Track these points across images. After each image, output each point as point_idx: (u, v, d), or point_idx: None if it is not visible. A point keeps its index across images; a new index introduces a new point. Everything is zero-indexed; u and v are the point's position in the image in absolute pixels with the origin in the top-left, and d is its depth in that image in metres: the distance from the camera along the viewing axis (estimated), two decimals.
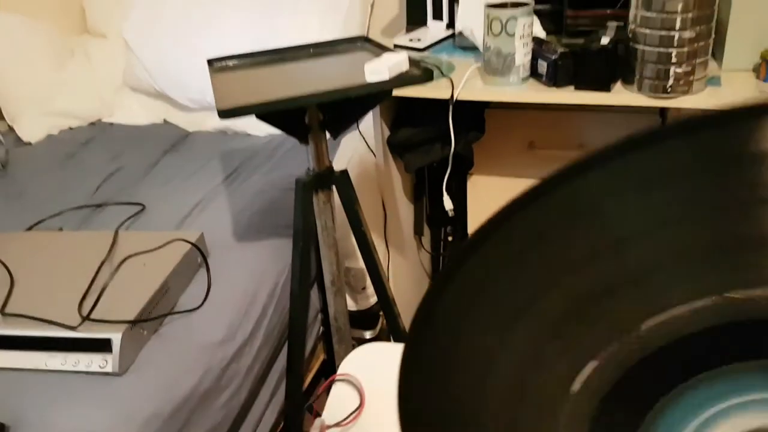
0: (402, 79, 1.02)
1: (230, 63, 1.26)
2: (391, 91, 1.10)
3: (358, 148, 1.68)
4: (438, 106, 1.44)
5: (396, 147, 1.61)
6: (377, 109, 1.55)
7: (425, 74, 1.02)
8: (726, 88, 1.24)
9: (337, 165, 1.63)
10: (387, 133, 1.60)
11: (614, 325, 0.25)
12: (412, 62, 1.07)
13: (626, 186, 0.24)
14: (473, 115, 1.52)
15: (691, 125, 0.23)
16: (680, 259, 0.23)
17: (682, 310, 0.23)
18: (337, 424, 0.63)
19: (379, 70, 1.01)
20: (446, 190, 1.54)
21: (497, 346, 0.26)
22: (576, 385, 0.26)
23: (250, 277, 1.29)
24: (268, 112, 0.97)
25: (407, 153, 1.60)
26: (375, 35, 1.95)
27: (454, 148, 1.47)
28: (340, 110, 1.14)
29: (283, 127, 1.12)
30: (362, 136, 1.67)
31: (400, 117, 1.61)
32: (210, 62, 1.25)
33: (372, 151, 1.65)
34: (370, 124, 1.62)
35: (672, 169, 0.24)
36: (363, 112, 1.16)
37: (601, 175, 0.24)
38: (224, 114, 0.92)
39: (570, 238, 0.24)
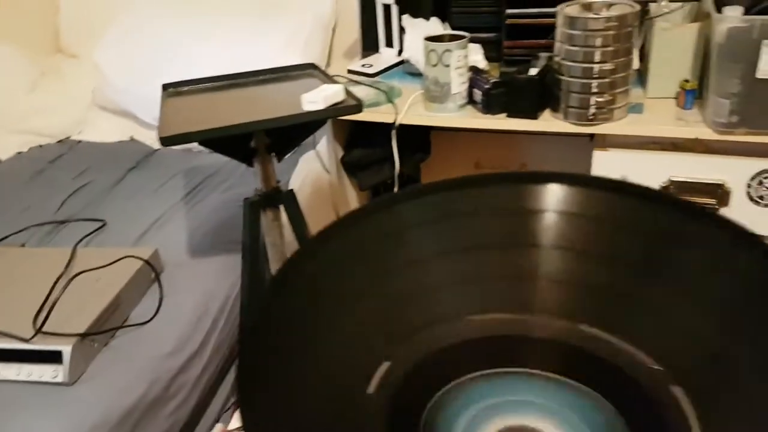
0: (336, 110, 1.10)
1: (184, 88, 1.33)
2: (326, 120, 1.18)
3: (314, 167, 1.75)
4: (387, 128, 1.52)
5: (349, 166, 1.69)
6: (331, 130, 1.63)
7: (358, 105, 1.09)
8: (647, 115, 1.33)
9: (294, 183, 1.71)
10: (341, 152, 1.68)
11: (403, 331, 0.31)
12: (348, 93, 1.14)
13: (425, 219, 0.31)
14: (419, 138, 1.60)
15: (480, 181, 0.31)
16: (459, 281, 0.30)
17: (456, 321, 0.30)
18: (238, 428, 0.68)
19: (315, 100, 1.09)
20: None
21: (314, 351, 0.32)
22: (371, 387, 0.32)
23: (201, 292, 1.35)
24: (209, 139, 1.04)
25: (360, 172, 1.68)
26: (336, 59, 2.03)
27: (401, 169, 1.55)
28: (285, 135, 1.22)
29: (227, 152, 1.19)
30: (318, 155, 1.74)
31: (353, 138, 1.69)
32: (165, 87, 1.32)
33: (326, 170, 1.73)
34: (326, 144, 1.70)
35: (458, 211, 0.31)
36: (305, 137, 1.23)
37: (407, 208, 0.31)
38: (166, 141, 0.99)
39: (373, 256, 0.31)
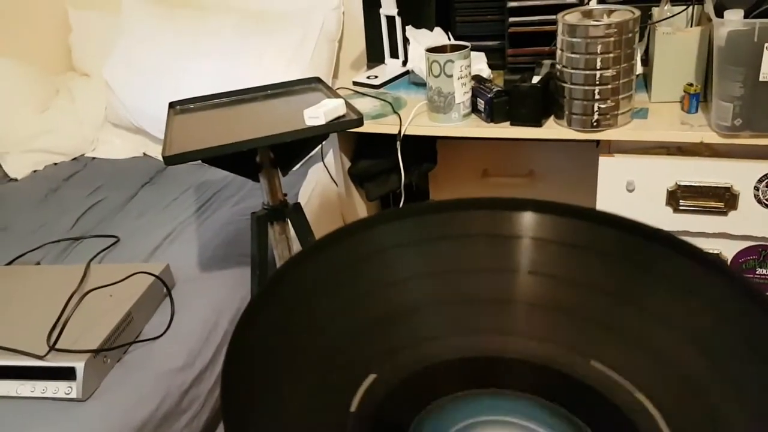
0: (337, 124, 1.11)
1: (191, 105, 1.36)
2: (327, 134, 1.19)
3: (322, 178, 1.77)
4: (393, 139, 1.53)
5: (356, 177, 1.70)
6: (337, 142, 1.65)
7: (359, 119, 1.11)
8: (652, 120, 1.33)
9: (303, 195, 1.73)
10: (348, 164, 1.69)
11: (383, 351, 0.32)
12: (349, 106, 1.16)
13: (404, 241, 0.32)
14: (425, 147, 1.61)
15: (458, 205, 0.31)
16: (437, 304, 0.31)
17: (435, 343, 0.31)
18: None
19: (316, 115, 1.10)
20: None
21: (290, 376, 0.33)
22: (353, 406, 0.33)
23: (212, 306, 1.37)
24: (212, 157, 1.06)
25: (367, 182, 1.69)
26: (344, 71, 2.04)
27: (408, 179, 1.56)
28: (288, 149, 1.24)
29: (233, 168, 1.21)
30: (326, 167, 1.76)
31: (360, 149, 1.70)
32: (171, 105, 1.35)
33: (335, 181, 1.74)
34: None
35: (437, 234, 0.32)
36: (309, 151, 1.25)
37: (386, 231, 0.31)
38: (169, 160, 1.01)
39: (356, 276, 0.32)
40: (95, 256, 1.54)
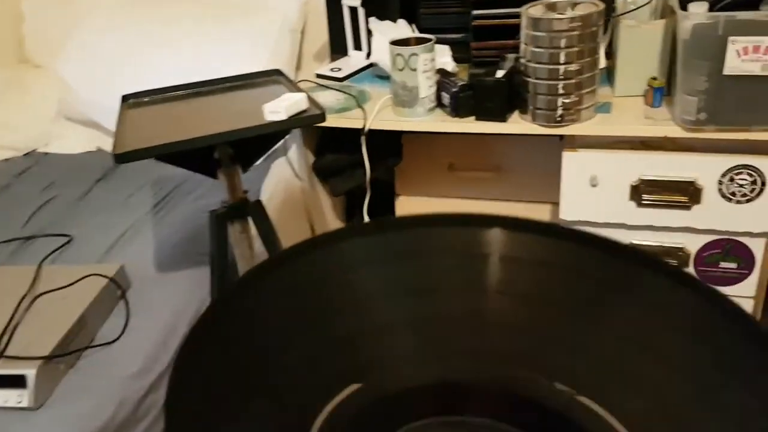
0: (299, 120, 1.07)
1: (145, 99, 1.30)
2: (289, 130, 1.15)
3: (285, 173, 1.73)
4: (357, 133, 1.50)
5: (321, 172, 1.66)
6: (300, 136, 1.61)
7: (321, 115, 1.07)
8: (615, 114, 1.32)
9: (266, 191, 1.69)
10: (312, 158, 1.66)
11: (344, 376, 0.29)
12: (311, 101, 1.12)
13: (370, 258, 0.29)
14: (391, 142, 1.58)
15: (426, 221, 0.29)
16: (402, 324, 0.29)
17: (400, 367, 0.29)
18: None
19: (276, 110, 1.07)
20: (368, 214, 1.59)
21: (244, 399, 0.31)
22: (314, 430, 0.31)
23: (170, 308, 1.33)
24: (167, 154, 1.02)
25: (332, 178, 1.66)
26: (307, 63, 2.00)
27: (374, 174, 1.53)
28: (248, 145, 1.20)
29: (190, 165, 1.16)
30: (289, 162, 1.72)
31: (324, 143, 1.66)
32: (124, 98, 1.29)
33: (298, 177, 1.70)
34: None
35: (404, 251, 0.29)
36: (269, 147, 1.21)
37: (351, 246, 0.29)
38: (120, 158, 0.96)
39: (318, 293, 0.29)
40: (47, 257, 1.47)
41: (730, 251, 1.33)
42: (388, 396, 0.29)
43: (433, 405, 0.29)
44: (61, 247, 1.51)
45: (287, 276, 0.30)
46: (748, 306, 1.40)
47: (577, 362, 0.27)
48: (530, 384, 0.27)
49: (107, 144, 2.01)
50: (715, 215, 1.29)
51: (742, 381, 0.26)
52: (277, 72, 1.36)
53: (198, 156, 1.18)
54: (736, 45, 1.13)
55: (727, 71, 1.16)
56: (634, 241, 1.36)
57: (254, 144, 1.19)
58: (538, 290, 0.28)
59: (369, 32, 1.63)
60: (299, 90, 1.17)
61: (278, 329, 0.30)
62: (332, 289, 0.30)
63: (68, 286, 1.26)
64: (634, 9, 1.34)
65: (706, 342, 0.26)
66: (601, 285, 0.27)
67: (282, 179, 1.73)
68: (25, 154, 2.04)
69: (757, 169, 1.24)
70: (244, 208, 1.27)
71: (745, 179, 1.25)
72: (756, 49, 1.13)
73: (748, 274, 1.34)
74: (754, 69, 1.15)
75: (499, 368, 0.28)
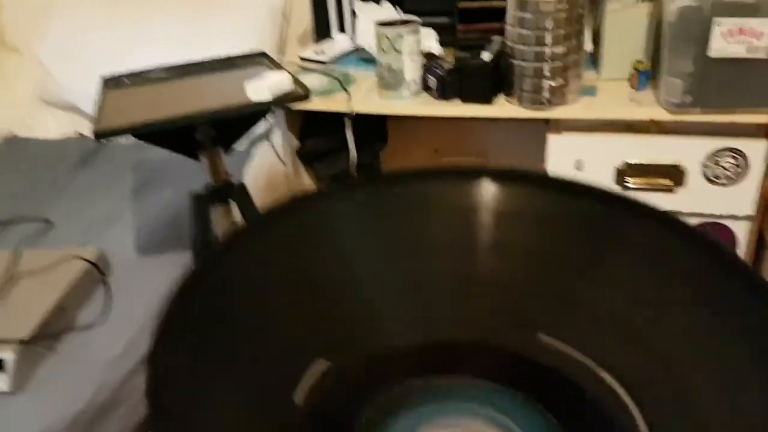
0: (283, 99, 1.06)
1: (126, 80, 1.28)
2: (271, 110, 1.14)
3: (269, 158, 1.71)
4: (342, 117, 1.48)
5: (305, 157, 1.65)
6: (284, 120, 1.59)
7: (305, 94, 1.06)
8: (600, 98, 1.32)
9: (249, 175, 1.67)
10: (296, 143, 1.64)
11: (331, 339, 0.29)
12: (295, 81, 1.11)
13: (357, 217, 0.28)
14: (376, 126, 1.57)
15: (413, 176, 0.28)
16: (391, 284, 0.28)
17: (388, 327, 0.28)
18: None
19: (260, 89, 1.05)
20: None
21: (232, 362, 0.30)
22: (298, 399, 0.30)
23: (152, 293, 1.31)
24: (147, 132, 1.00)
25: (316, 162, 1.65)
26: (292, 47, 1.98)
27: (359, 158, 1.52)
28: (231, 126, 1.18)
29: (171, 146, 1.14)
30: (273, 146, 1.70)
31: (308, 127, 1.65)
32: (105, 80, 1.27)
33: (282, 161, 1.69)
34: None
35: (391, 209, 0.28)
36: (252, 126, 1.19)
37: (337, 205, 0.28)
38: (100, 135, 0.94)
39: (311, 251, 0.28)
40: (25, 241, 1.45)
41: (714, 234, 1.33)
42: (374, 357, 0.28)
43: (420, 364, 0.28)
44: (40, 231, 1.49)
45: (270, 238, 0.29)
46: None
47: (567, 316, 0.26)
48: (517, 340, 0.26)
49: (88, 129, 1.98)
50: (699, 198, 1.30)
51: (739, 331, 0.25)
52: (262, 54, 1.35)
53: (180, 137, 1.16)
54: (721, 27, 1.13)
55: (712, 54, 1.16)
56: None
57: (237, 125, 1.17)
58: (528, 245, 0.27)
59: (354, 15, 1.61)
60: (283, 70, 1.16)
61: (261, 291, 0.29)
62: (316, 249, 0.29)
63: (51, 268, 1.24)
64: None
65: (702, 292, 0.25)
66: (593, 237, 0.26)
67: (265, 164, 1.71)
68: (2, 140, 2.00)
69: (740, 151, 1.24)
70: (228, 192, 1.25)
71: (729, 162, 1.25)
72: (741, 31, 1.13)
73: None
74: (740, 51, 1.15)
75: (487, 325, 0.27)
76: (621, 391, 0.26)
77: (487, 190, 0.28)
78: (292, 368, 0.29)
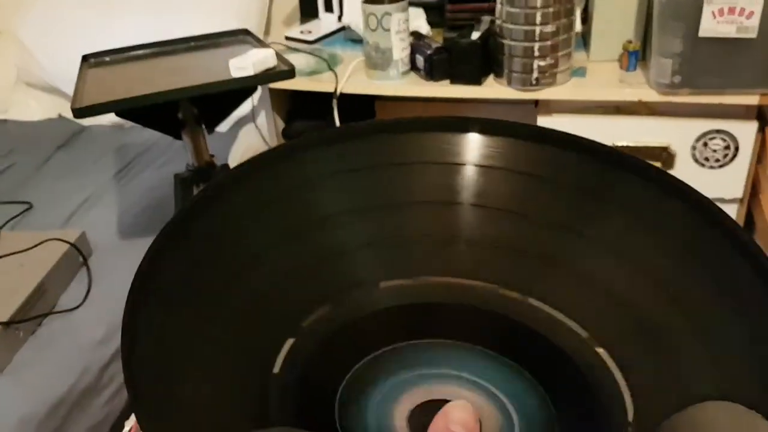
0: (266, 76, 1.04)
1: (106, 58, 1.25)
2: (255, 87, 1.11)
3: (254, 140, 1.68)
4: (329, 98, 1.46)
5: (291, 139, 1.62)
6: (269, 101, 1.57)
7: (290, 70, 1.04)
8: (590, 79, 1.31)
9: (234, 158, 1.64)
10: (281, 125, 1.62)
11: (310, 301, 0.27)
12: (280, 58, 1.08)
13: (332, 171, 0.26)
14: (363, 108, 1.55)
15: (393, 127, 0.26)
16: (371, 243, 0.26)
17: (369, 289, 0.26)
18: None
19: (243, 65, 1.03)
20: None
21: (201, 333, 0.28)
22: (276, 367, 0.28)
23: (133, 275, 1.29)
24: (128, 109, 0.97)
25: None
26: (276, 27, 1.94)
27: None
28: (214, 104, 1.15)
29: (154, 125, 1.12)
30: (258, 128, 1.67)
31: (294, 109, 1.62)
32: (85, 57, 1.24)
33: (267, 143, 1.66)
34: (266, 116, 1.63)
35: (369, 162, 0.27)
36: (235, 106, 1.17)
37: (311, 158, 0.26)
38: (79, 113, 0.92)
39: (276, 214, 0.27)
40: (6, 224, 1.42)
41: None
42: (353, 320, 0.27)
43: (401, 328, 0.27)
44: (20, 214, 1.46)
45: (246, 194, 0.27)
46: None
47: (554, 279, 0.25)
48: (502, 301, 0.25)
49: (68, 111, 1.94)
50: (689, 181, 1.28)
51: (732, 299, 0.24)
52: (244, 31, 1.32)
53: (162, 115, 1.14)
54: (711, 6, 1.12)
55: (702, 33, 1.15)
56: None
57: (220, 103, 1.15)
58: (516, 202, 0.25)
59: None
60: (267, 47, 1.13)
61: (237, 253, 0.28)
62: (295, 206, 0.27)
63: (27, 250, 1.21)
64: None
65: (695, 256, 0.24)
66: (583, 194, 0.25)
67: (251, 146, 1.68)
68: None
69: (730, 134, 1.23)
70: (211, 173, 1.23)
71: (718, 144, 1.25)
72: (731, 10, 1.12)
73: None
74: (730, 31, 1.14)
75: (472, 287, 0.25)
76: (607, 358, 0.25)
77: (474, 143, 0.26)
78: (269, 332, 0.28)
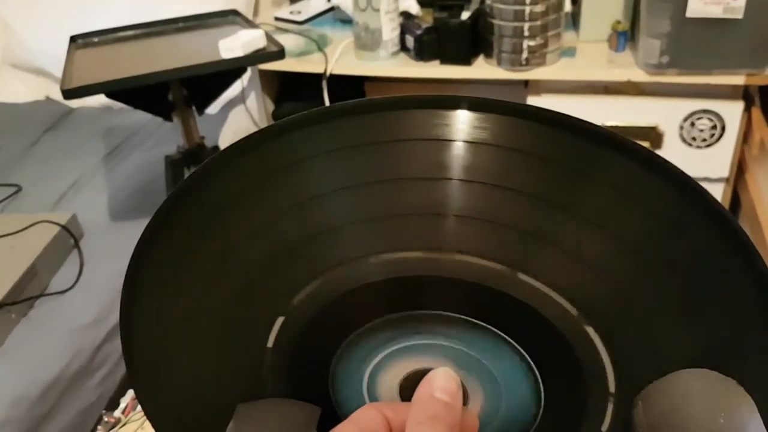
0: (256, 57, 1.03)
1: (95, 39, 1.24)
2: (245, 68, 1.11)
3: (244, 122, 1.68)
4: (319, 79, 1.46)
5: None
6: (259, 83, 1.56)
7: (280, 51, 1.03)
8: (580, 59, 1.31)
9: (224, 140, 1.64)
10: (271, 106, 1.61)
11: (300, 278, 0.28)
12: (269, 39, 1.08)
13: (320, 150, 0.27)
14: (353, 89, 1.54)
15: (381, 105, 0.27)
16: (361, 219, 0.27)
17: (360, 263, 0.27)
18: None
19: (233, 47, 1.02)
20: None
21: (196, 307, 0.29)
22: (270, 342, 0.29)
23: (125, 257, 1.27)
24: (118, 90, 0.97)
25: None
26: (264, 7, 1.93)
27: None
28: (204, 85, 1.15)
29: (144, 106, 1.11)
30: (248, 110, 1.67)
31: (284, 90, 1.62)
32: (73, 38, 1.23)
33: (257, 125, 1.66)
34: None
35: (358, 140, 0.27)
36: (226, 87, 1.16)
37: (299, 138, 0.27)
38: (69, 93, 0.91)
39: (267, 193, 0.27)
40: None
41: None
42: (341, 297, 0.27)
43: (392, 301, 0.28)
44: (9, 196, 1.45)
45: (235, 176, 0.28)
46: None
47: (541, 252, 0.25)
48: (490, 274, 0.26)
49: (56, 93, 1.92)
50: (676, 160, 1.29)
51: (715, 282, 0.25)
52: (234, 12, 1.31)
53: (152, 97, 1.13)
54: None
55: (689, 14, 1.16)
56: None
57: (209, 84, 1.15)
58: (504, 178, 0.26)
59: None
60: (257, 28, 1.13)
61: (227, 234, 0.28)
62: (282, 186, 0.28)
63: (17, 233, 1.21)
64: None
65: (680, 236, 0.25)
66: (570, 171, 0.26)
67: (240, 128, 1.68)
68: None
69: (717, 114, 1.25)
70: (201, 155, 1.23)
71: (705, 124, 1.26)
72: None
73: None
74: (716, 11, 1.14)
75: (461, 260, 0.26)
76: (591, 331, 0.26)
77: (462, 120, 0.27)
78: (261, 310, 0.29)
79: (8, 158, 1.62)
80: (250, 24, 1.20)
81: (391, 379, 0.29)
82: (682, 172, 0.25)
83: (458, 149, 0.26)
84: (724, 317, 0.25)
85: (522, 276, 0.25)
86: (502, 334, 0.26)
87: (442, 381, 0.25)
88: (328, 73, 1.37)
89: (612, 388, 0.26)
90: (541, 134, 0.26)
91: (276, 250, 0.27)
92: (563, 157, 0.25)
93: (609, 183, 0.25)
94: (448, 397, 0.25)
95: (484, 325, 0.26)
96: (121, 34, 1.25)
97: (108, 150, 1.61)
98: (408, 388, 0.28)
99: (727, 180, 1.32)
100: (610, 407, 0.27)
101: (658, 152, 1.31)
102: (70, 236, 1.26)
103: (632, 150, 0.25)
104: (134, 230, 1.43)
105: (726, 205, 1.36)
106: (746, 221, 1.32)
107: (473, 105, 0.26)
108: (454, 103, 0.26)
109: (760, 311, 0.24)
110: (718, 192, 1.33)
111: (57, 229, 1.23)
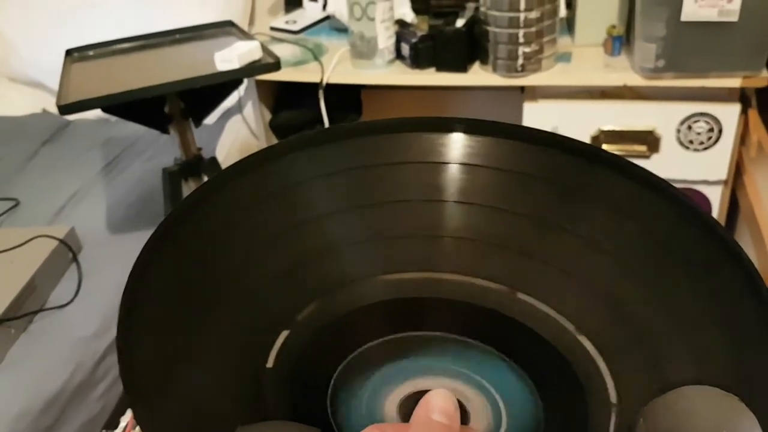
0: (252, 68, 1.04)
1: (90, 52, 1.24)
2: (241, 80, 1.11)
3: (241, 132, 1.68)
4: (315, 88, 1.46)
5: (278, 130, 1.62)
6: (256, 92, 1.56)
7: (275, 63, 1.03)
8: (575, 64, 1.31)
9: (221, 149, 1.64)
10: (268, 116, 1.62)
11: (299, 299, 0.28)
12: (265, 50, 1.08)
13: (318, 172, 0.27)
14: (350, 97, 1.55)
15: (378, 128, 0.27)
16: (358, 241, 0.27)
17: (357, 284, 0.27)
18: None
19: (229, 58, 1.02)
20: None
21: (198, 329, 0.29)
22: (270, 362, 0.29)
23: (124, 269, 1.27)
24: (114, 104, 0.97)
25: (289, 135, 1.62)
26: (260, 17, 1.93)
27: None
28: (200, 97, 1.15)
29: (141, 120, 1.11)
30: (245, 119, 1.67)
31: (281, 99, 1.62)
32: (68, 52, 1.23)
33: (254, 135, 1.66)
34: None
35: (354, 163, 0.27)
36: (222, 99, 1.17)
37: (296, 160, 0.27)
38: (65, 109, 0.91)
39: (265, 215, 0.27)
40: None
41: None
42: (340, 318, 0.27)
43: (390, 322, 0.28)
44: (7, 210, 1.45)
45: (234, 197, 0.28)
46: None
47: (539, 273, 0.26)
48: (489, 295, 0.26)
49: (53, 105, 1.92)
50: (673, 163, 1.30)
51: (715, 298, 0.25)
52: (229, 23, 1.31)
53: (149, 110, 1.13)
54: None
55: (684, 17, 1.16)
56: None
57: (206, 96, 1.15)
58: (501, 199, 0.26)
59: None
60: (253, 39, 1.13)
61: (228, 254, 0.28)
62: (282, 208, 0.28)
63: (16, 248, 1.21)
64: None
65: (678, 254, 0.25)
66: (566, 191, 0.26)
67: (238, 138, 1.68)
68: None
69: (713, 117, 1.25)
70: (199, 166, 1.23)
71: (702, 127, 1.26)
72: None
73: None
74: (711, 15, 1.15)
75: (459, 281, 0.26)
76: (590, 347, 0.26)
77: (458, 142, 0.27)
78: (261, 330, 0.29)
79: (6, 171, 1.62)
80: (245, 35, 1.20)
81: (390, 400, 0.29)
82: (678, 191, 0.25)
83: (454, 171, 0.26)
84: (725, 333, 0.25)
85: (521, 296, 0.25)
86: (502, 355, 0.26)
87: (440, 402, 0.25)
88: (324, 82, 1.37)
89: (613, 405, 0.26)
90: (535, 155, 0.26)
91: (274, 273, 0.27)
92: (558, 177, 0.25)
93: (605, 202, 0.25)
94: (446, 419, 0.25)
95: (484, 345, 0.26)
96: (117, 46, 1.25)
97: (106, 162, 1.61)
98: (408, 407, 0.28)
99: (725, 182, 1.33)
100: (612, 424, 0.27)
101: (656, 156, 1.31)
102: (68, 250, 1.26)
103: (627, 168, 0.25)
104: (133, 242, 1.44)
105: (724, 207, 1.36)
106: (745, 223, 1.32)
107: (468, 127, 0.26)
108: (449, 126, 0.27)
109: (761, 327, 0.25)
110: (716, 195, 1.33)
111: (55, 243, 1.23)
